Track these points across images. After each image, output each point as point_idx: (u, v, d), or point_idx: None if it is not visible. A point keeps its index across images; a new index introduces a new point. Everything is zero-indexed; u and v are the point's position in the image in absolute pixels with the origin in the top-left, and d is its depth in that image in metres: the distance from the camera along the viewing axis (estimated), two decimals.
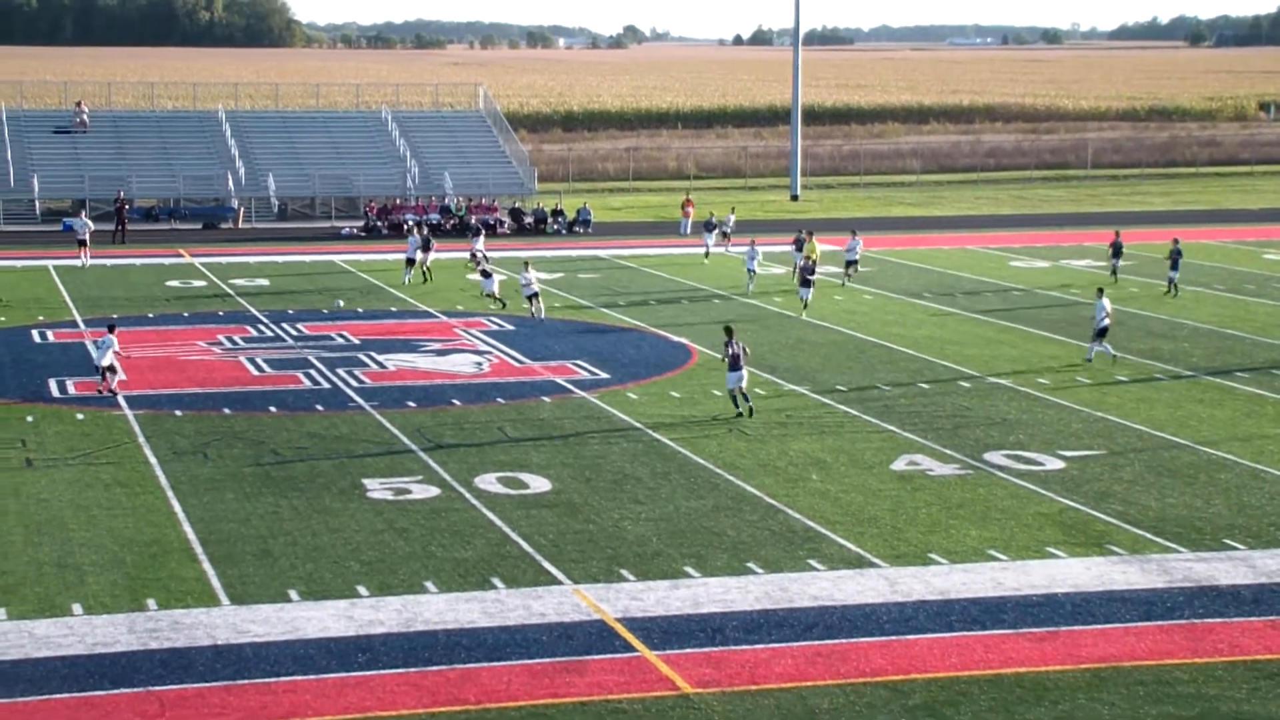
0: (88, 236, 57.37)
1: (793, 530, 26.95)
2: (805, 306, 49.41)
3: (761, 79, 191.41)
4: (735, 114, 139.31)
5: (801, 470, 30.80)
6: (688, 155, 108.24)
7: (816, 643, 21.83)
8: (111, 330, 36.95)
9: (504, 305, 49.55)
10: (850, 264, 57.02)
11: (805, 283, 49.61)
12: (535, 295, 47.37)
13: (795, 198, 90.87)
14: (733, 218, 68.71)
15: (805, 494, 29.11)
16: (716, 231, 65.34)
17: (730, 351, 34.86)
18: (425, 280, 55.40)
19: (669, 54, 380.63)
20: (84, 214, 58.57)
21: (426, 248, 56.78)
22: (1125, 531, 26.97)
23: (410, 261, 56.18)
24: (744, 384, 34.93)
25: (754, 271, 54.56)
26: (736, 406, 34.87)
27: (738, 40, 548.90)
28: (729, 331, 35.52)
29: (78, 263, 56.35)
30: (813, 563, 25.19)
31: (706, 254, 63.58)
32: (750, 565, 25.06)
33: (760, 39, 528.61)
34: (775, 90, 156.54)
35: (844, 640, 21.93)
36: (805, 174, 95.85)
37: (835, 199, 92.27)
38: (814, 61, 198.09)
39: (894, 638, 22.06)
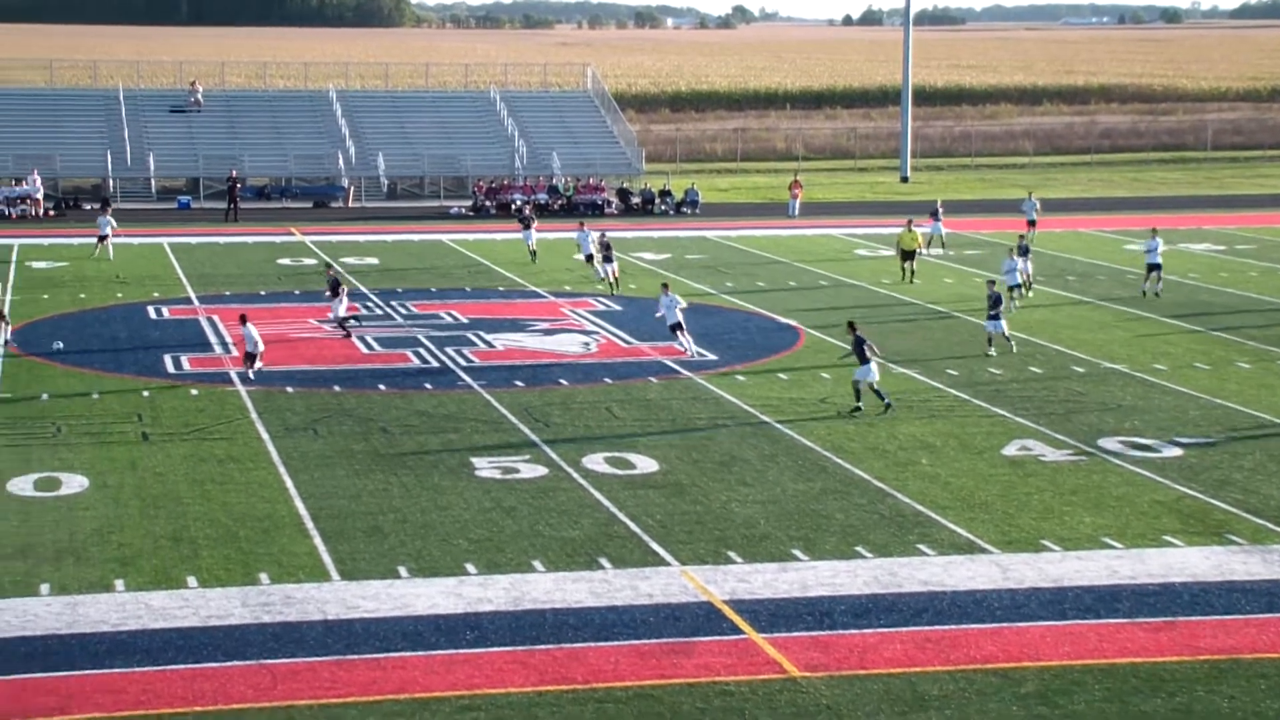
0: (110, 232, 57.04)
1: (902, 514, 26.72)
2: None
3: (871, 59, 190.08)
4: (844, 95, 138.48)
5: (911, 454, 30.53)
6: (796, 136, 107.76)
7: (926, 628, 21.62)
8: (244, 322, 36.79)
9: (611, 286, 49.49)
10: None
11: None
12: (679, 326, 39.58)
13: (905, 179, 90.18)
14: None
15: (915, 478, 28.85)
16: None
17: (857, 346, 33.77)
18: (532, 259, 55.44)
19: (778, 34, 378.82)
20: (108, 212, 58.94)
21: (527, 226, 56.77)
22: (1246, 521, 26.46)
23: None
24: (876, 379, 33.95)
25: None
26: (858, 399, 33.88)
27: (847, 20, 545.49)
28: (852, 326, 34.93)
29: (95, 253, 56.36)
30: (922, 547, 24.95)
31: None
32: (859, 549, 24.87)
33: (870, 19, 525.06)
34: (885, 71, 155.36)
35: (954, 626, 21.69)
36: (915, 155, 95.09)
37: (946, 180, 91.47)
38: (925, 41, 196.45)
39: (1005, 625, 21.79)
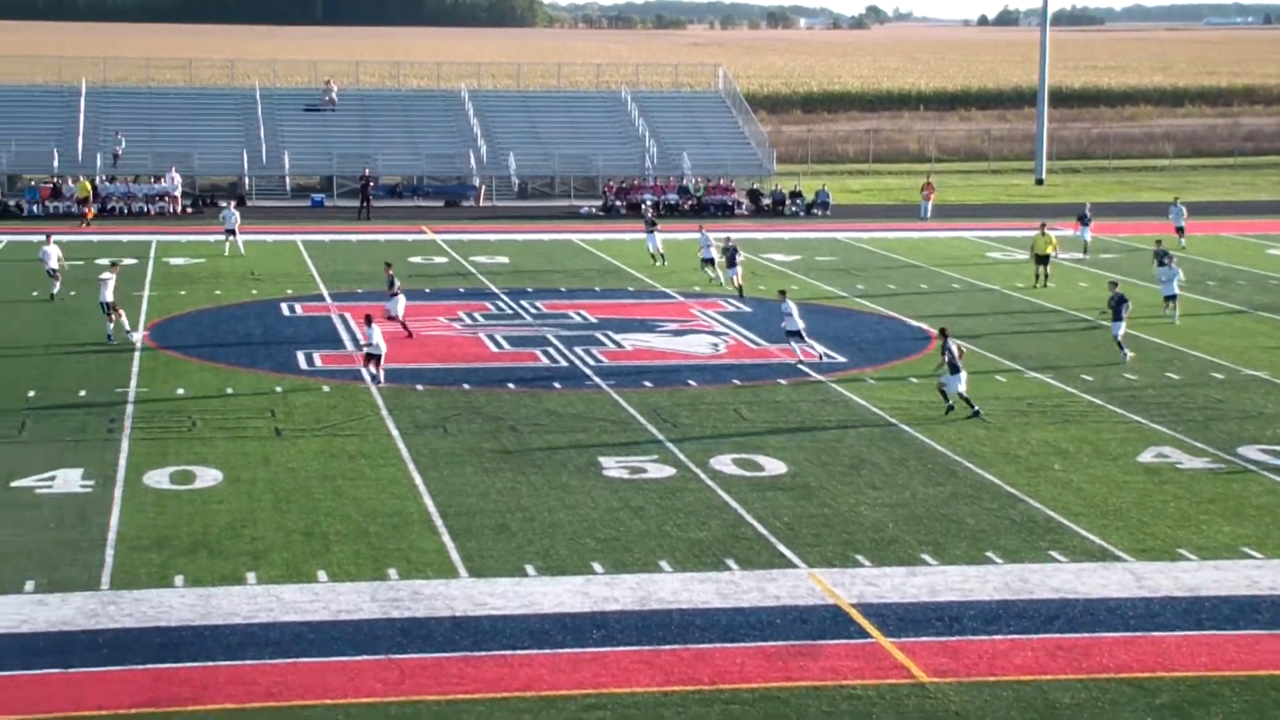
0: (235, 226, 57.99)
1: (1033, 520, 26.34)
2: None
3: (1007, 60, 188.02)
4: (979, 96, 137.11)
5: (1043, 459, 30.10)
6: (929, 138, 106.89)
7: (1058, 635, 21.28)
8: (370, 323, 36.26)
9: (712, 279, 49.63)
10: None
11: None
12: (797, 332, 38.74)
13: (1040, 182, 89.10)
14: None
15: (1047, 484, 28.44)
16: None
17: (947, 355, 33.42)
18: (655, 262, 55.10)
19: (912, 34, 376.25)
20: (233, 204, 59.99)
21: (651, 229, 56.42)
22: None
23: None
24: (962, 388, 33.50)
25: None
26: (972, 406, 33.54)
27: (983, 20, 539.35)
28: (944, 333, 34.58)
29: (227, 250, 57.34)
30: (1054, 554, 24.58)
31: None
32: (989, 554, 24.55)
33: (1006, 19, 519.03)
34: (1021, 71, 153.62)
35: (1086, 634, 21.33)
36: (1050, 157, 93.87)
37: (1082, 183, 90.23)
38: (1062, 42, 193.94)
39: (1139, 634, 21.39)
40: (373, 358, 35.71)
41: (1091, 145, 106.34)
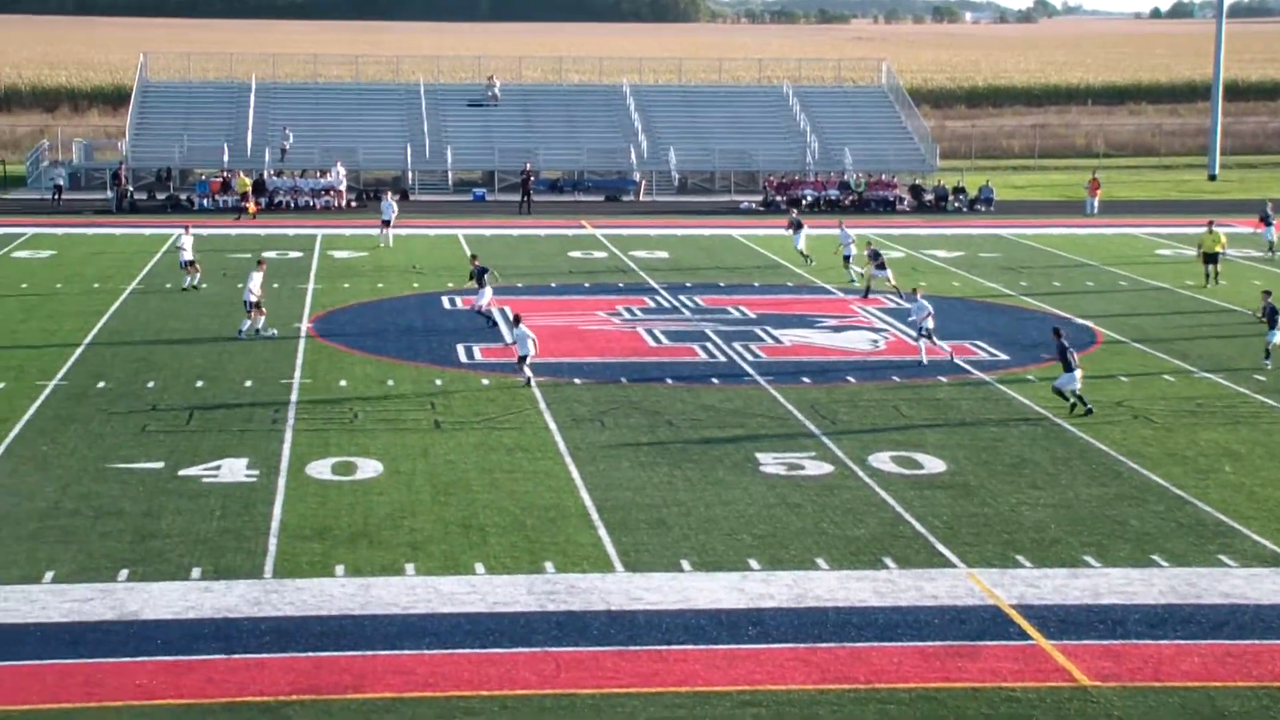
0: (392, 218, 58.79)
1: (1202, 523, 25.71)
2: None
3: (1180, 53, 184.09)
4: (1150, 90, 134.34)
5: (1213, 461, 29.39)
6: (1097, 133, 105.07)
7: (1227, 642, 20.75)
8: (518, 323, 35.62)
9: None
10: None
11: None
12: (927, 332, 38.23)
13: (1213, 177, 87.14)
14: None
15: (1216, 486, 27.75)
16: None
17: (1062, 351, 32.96)
18: (807, 261, 54.34)
19: (1081, 28, 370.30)
20: (390, 195, 60.72)
21: (797, 229, 55.41)
22: None
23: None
24: (1078, 387, 32.89)
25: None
26: (1085, 404, 32.92)
27: (1155, 13, 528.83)
28: (1057, 332, 33.88)
29: (381, 243, 58.21)
30: (1224, 558, 23.97)
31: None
32: (1155, 557, 24.02)
33: (1180, 11, 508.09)
34: (1194, 65, 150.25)
35: (1257, 641, 20.77)
36: (1225, 153, 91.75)
37: (1258, 179, 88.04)
38: (1239, 34, 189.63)
39: None
40: (522, 359, 35.20)
41: (1269, 140, 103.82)
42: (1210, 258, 49.88)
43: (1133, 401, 34.10)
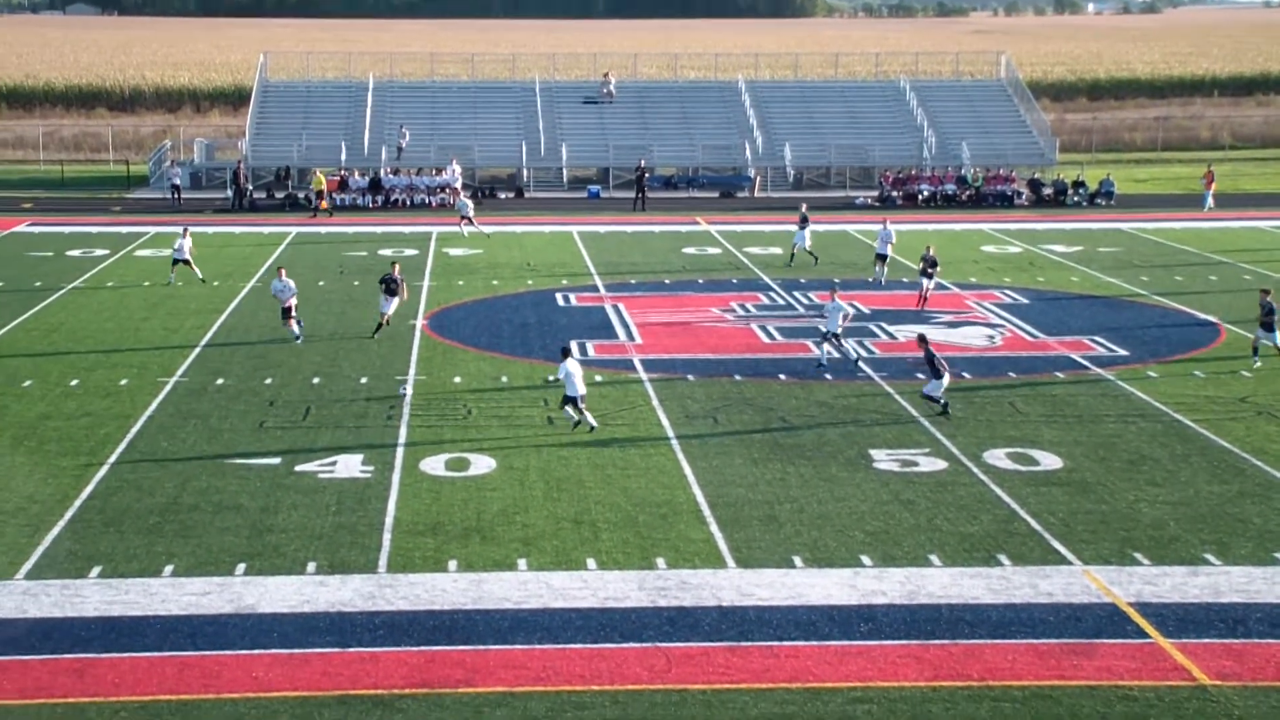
0: (471, 214, 60.21)
1: None
2: None
3: None
4: (1278, 80, 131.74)
5: None
6: (1223, 125, 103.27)
7: None
8: (566, 356, 31.02)
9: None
10: None
11: None
12: (835, 335, 36.82)
13: None
14: None
15: None
16: None
17: (930, 359, 31.72)
18: (795, 259, 52.67)
19: (1207, 18, 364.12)
20: (465, 194, 62.04)
21: (804, 224, 52.65)
22: None
23: None
24: (941, 392, 31.65)
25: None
26: (946, 407, 31.51)
27: None
28: (923, 339, 32.50)
29: (460, 232, 59.64)
30: None
31: None
32: (1278, 556, 23.55)
33: None
34: None
35: None
36: None
37: None
38: None
39: None
40: (568, 399, 30.72)
41: None
42: None
43: (1257, 398, 33.49)
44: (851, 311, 37.42)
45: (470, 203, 61.63)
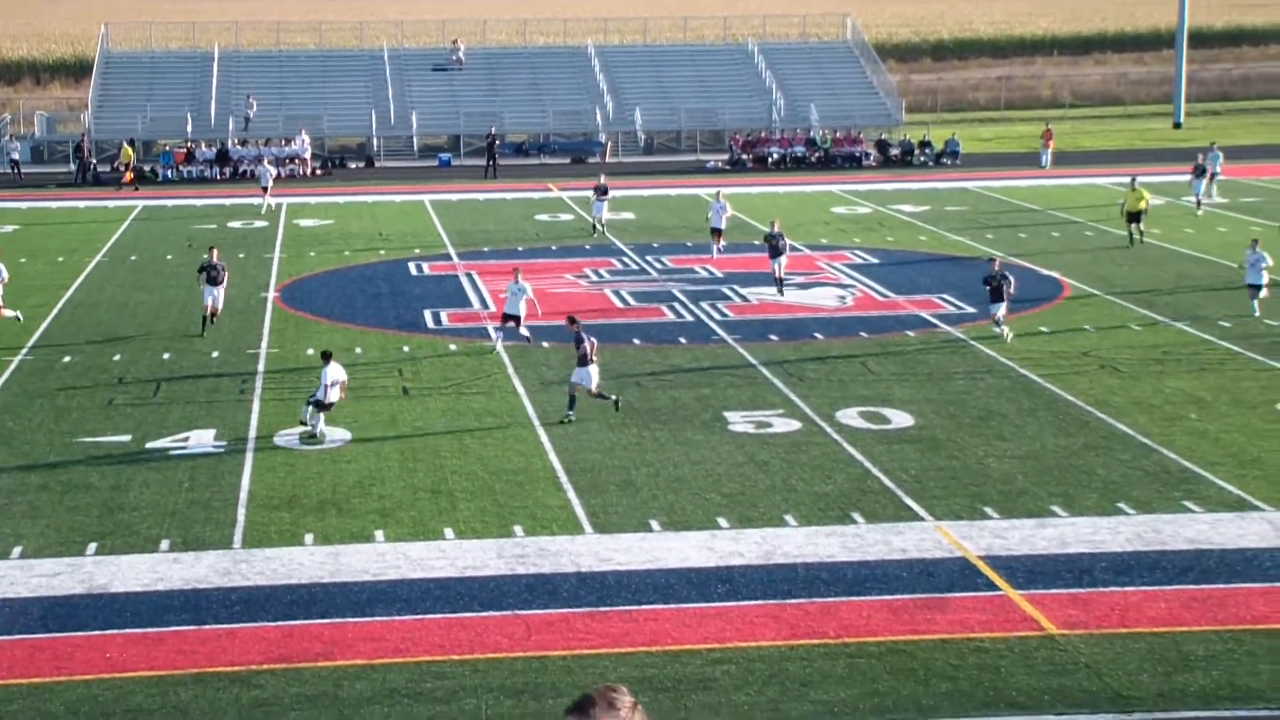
0: (270, 183, 59.35)
1: (1167, 470, 25.85)
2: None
3: (1144, 1, 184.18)
4: (1115, 39, 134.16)
5: (1179, 409, 29.52)
6: (1063, 83, 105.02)
7: (1192, 587, 20.90)
8: (328, 360, 28.72)
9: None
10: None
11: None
12: (516, 317, 34.96)
13: (1178, 125, 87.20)
14: None
15: (1182, 433, 27.89)
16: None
17: (577, 341, 29.42)
18: (594, 233, 52.86)
19: None
20: (266, 161, 61.44)
21: (601, 195, 52.22)
22: None
23: None
24: (594, 386, 29.28)
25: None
26: (571, 407, 29.17)
27: None
28: (573, 321, 30.37)
29: (260, 206, 58.63)
30: (1189, 504, 24.12)
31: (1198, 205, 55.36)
32: (1121, 505, 24.15)
33: None
34: (1159, 12, 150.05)
35: (1222, 585, 20.93)
36: (1189, 100, 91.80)
37: (1222, 126, 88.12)
38: None
39: (1278, 584, 20.93)
40: (321, 405, 28.36)
41: (1233, 87, 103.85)
42: (1134, 216, 48.19)
43: (1099, 351, 34.23)
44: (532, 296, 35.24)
45: (271, 170, 60.87)
